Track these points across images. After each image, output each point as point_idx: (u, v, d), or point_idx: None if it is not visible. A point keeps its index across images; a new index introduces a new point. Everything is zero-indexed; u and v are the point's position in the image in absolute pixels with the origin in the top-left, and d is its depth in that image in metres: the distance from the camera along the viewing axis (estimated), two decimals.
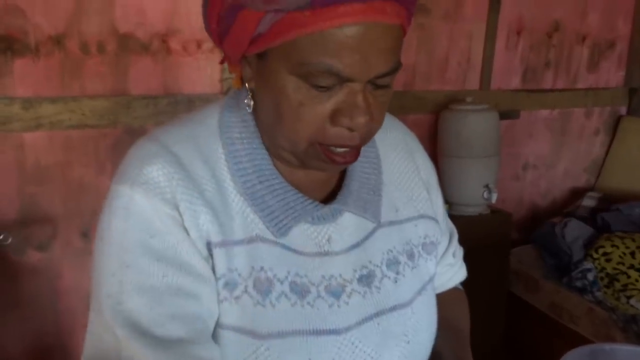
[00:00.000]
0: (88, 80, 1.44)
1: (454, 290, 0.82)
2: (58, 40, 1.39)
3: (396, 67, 0.53)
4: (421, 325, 0.64)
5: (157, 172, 0.54)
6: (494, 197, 1.80)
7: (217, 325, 0.55)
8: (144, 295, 0.52)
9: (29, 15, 1.35)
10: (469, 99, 1.85)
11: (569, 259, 1.85)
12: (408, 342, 0.61)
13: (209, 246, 0.55)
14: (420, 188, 0.71)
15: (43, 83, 1.39)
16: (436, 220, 0.71)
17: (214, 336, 0.56)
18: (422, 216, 0.69)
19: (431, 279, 0.69)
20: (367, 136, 0.56)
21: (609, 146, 2.47)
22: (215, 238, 0.55)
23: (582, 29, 2.29)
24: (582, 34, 2.30)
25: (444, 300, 0.77)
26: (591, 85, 2.39)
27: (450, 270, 0.79)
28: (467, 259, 0.84)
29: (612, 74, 2.44)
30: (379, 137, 0.69)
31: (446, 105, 1.90)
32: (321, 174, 0.63)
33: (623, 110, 2.51)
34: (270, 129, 0.58)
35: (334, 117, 0.52)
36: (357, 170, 0.65)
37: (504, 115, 2.07)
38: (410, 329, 0.62)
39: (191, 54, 1.54)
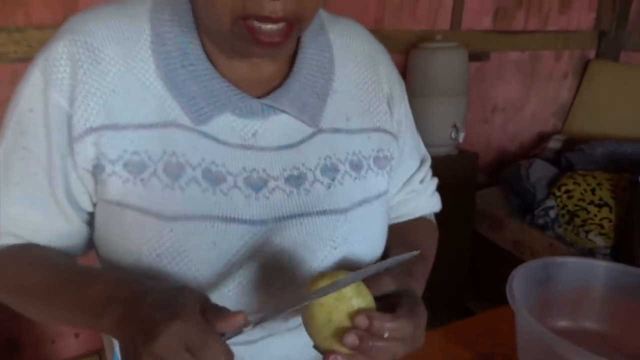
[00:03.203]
0: (33, 8, 1.35)
1: (421, 219, 0.78)
2: None
3: None
4: (354, 236, 0.62)
5: (62, 49, 0.55)
6: (462, 137, 1.81)
7: (120, 204, 0.56)
8: (4, 154, 0.58)
9: None
10: (438, 37, 1.82)
11: (533, 198, 1.88)
12: (335, 248, 0.61)
13: (92, 129, 0.55)
14: (379, 100, 0.68)
15: None
16: (394, 136, 0.69)
17: (117, 214, 0.56)
18: (377, 129, 0.67)
19: (381, 195, 0.66)
20: (294, 11, 0.52)
21: (577, 90, 2.49)
22: (108, 120, 0.55)
23: None
24: None
25: (407, 227, 0.75)
26: (562, 28, 2.38)
27: (416, 198, 0.76)
28: None
29: (583, 16, 2.43)
30: (339, 44, 0.66)
31: (416, 44, 1.86)
32: (266, 70, 0.61)
33: (592, 54, 2.51)
34: (198, 9, 0.57)
35: None
36: (304, 72, 0.62)
37: (474, 56, 2.05)
38: (340, 237, 0.61)
39: None
